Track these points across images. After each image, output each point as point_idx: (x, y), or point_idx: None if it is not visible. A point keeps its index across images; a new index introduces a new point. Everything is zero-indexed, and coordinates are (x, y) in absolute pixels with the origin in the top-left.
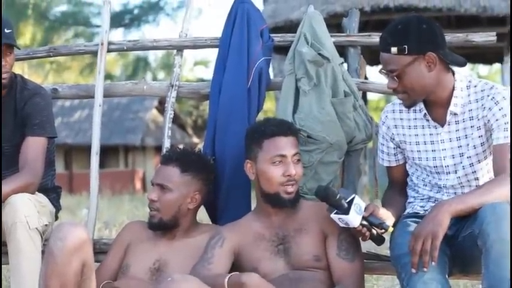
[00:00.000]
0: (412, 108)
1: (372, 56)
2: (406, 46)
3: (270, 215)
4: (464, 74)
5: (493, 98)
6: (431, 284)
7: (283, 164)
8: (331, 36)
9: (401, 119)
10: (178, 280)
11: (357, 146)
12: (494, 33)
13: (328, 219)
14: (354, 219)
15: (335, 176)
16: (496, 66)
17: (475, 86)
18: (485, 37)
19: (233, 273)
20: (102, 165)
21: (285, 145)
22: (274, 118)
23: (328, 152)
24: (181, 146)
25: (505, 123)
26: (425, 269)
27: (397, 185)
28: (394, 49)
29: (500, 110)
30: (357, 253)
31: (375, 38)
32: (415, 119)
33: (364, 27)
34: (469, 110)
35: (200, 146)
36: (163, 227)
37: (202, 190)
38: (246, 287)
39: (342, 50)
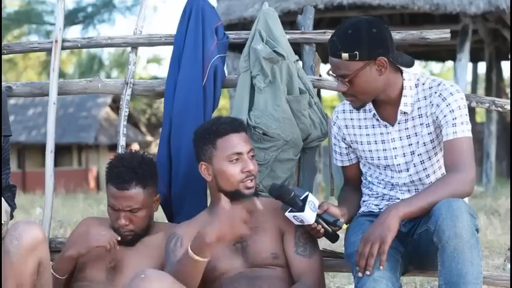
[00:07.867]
0: (361, 108)
1: (326, 53)
2: (357, 52)
3: None
4: (412, 72)
5: (440, 94)
6: (380, 281)
7: (240, 161)
8: (286, 33)
9: (351, 119)
10: (151, 277)
11: (313, 143)
12: (448, 30)
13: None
14: (309, 216)
15: (291, 173)
16: (449, 63)
17: (423, 84)
18: (439, 34)
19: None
20: (55, 163)
21: (240, 142)
22: (221, 116)
23: (284, 149)
24: (126, 156)
25: (453, 119)
26: (368, 272)
27: (351, 183)
28: (345, 55)
29: (447, 106)
30: (314, 249)
31: (329, 35)
32: (365, 118)
33: (318, 24)
34: (418, 108)
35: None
36: (138, 238)
37: (157, 187)
38: (204, 237)
39: (297, 47)
